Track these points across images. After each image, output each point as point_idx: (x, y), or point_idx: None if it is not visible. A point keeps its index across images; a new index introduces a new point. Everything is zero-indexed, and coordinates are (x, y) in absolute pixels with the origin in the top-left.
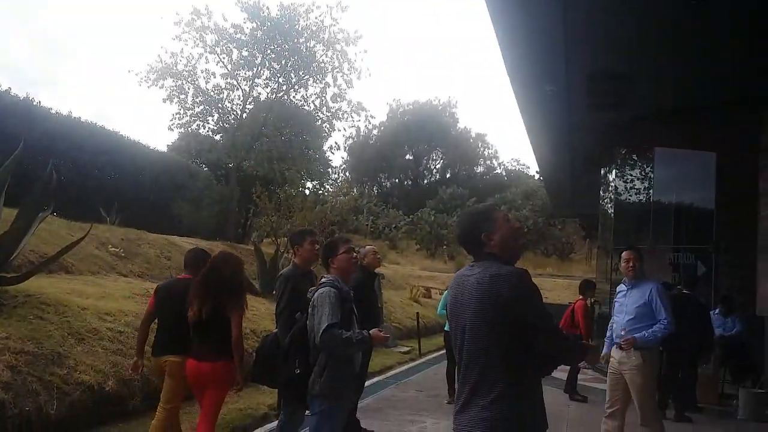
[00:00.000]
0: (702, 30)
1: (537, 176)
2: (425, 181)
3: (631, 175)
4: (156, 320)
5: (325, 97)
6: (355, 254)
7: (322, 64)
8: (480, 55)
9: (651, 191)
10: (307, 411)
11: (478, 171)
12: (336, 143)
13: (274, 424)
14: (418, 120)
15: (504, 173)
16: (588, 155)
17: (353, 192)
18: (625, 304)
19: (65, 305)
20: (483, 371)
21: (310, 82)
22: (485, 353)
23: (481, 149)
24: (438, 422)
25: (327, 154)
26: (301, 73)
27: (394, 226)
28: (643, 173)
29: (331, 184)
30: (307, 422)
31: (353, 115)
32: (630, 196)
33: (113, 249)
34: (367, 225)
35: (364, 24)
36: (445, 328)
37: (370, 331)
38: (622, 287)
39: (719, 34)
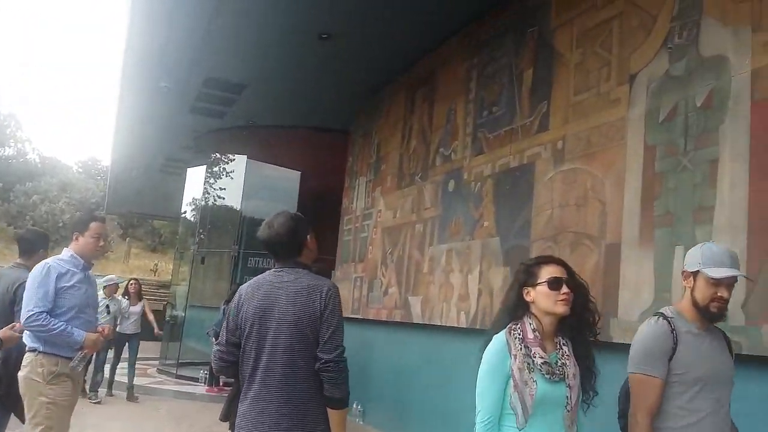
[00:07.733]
0: (310, 61)
1: (75, 168)
2: None
3: (218, 181)
4: None
5: None
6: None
7: None
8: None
9: (233, 198)
10: None
11: (5, 153)
12: None
13: None
14: None
15: (38, 160)
16: (174, 157)
17: None
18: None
19: None
20: (286, 373)
21: None
22: (292, 356)
23: (13, 130)
24: None
25: None
26: None
27: None
28: (231, 181)
29: None
30: None
31: None
32: (215, 200)
33: None
34: None
35: None
36: None
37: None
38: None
39: (323, 67)
